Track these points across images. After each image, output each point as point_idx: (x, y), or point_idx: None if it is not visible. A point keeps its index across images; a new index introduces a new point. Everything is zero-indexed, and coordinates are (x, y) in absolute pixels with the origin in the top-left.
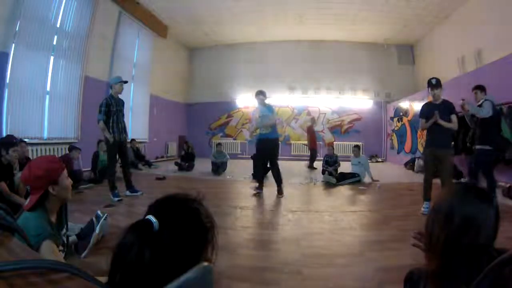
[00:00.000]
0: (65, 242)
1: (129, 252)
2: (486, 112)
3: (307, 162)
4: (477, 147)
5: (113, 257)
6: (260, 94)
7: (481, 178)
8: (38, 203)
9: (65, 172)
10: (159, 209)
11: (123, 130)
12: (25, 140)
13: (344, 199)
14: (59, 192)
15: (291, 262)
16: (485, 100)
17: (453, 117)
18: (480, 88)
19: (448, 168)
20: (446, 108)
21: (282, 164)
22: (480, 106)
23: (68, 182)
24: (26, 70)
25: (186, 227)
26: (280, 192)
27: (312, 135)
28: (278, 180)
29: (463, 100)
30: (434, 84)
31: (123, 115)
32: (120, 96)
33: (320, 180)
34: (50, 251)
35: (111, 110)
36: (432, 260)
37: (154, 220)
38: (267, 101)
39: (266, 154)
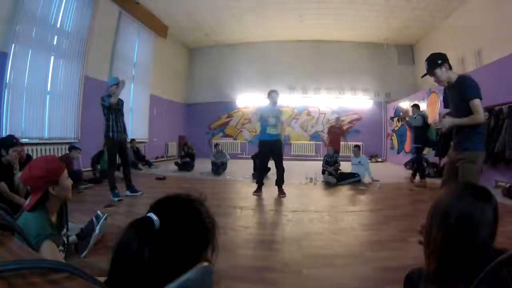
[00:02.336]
0: (65, 242)
1: (128, 249)
2: (417, 123)
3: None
4: (413, 145)
5: (113, 254)
6: (268, 95)
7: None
8: (38, 203)
9: (65, 172)
10: (161, 208)
11: (123, 130)
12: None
13: (344, 199)
14: (59, 192)
15: (291, 262)
16: (418, 114)
17: (474, 103)
18: (415, 106)
19: (466, 178)
20: (459, 93)
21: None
22: (414, 118)
23: (69, 182)
24: (26, 70)
25: (187, 227)
26: (282, 192)
27: (334, 136)
28: (282, 180)
29: (404, 112)
30: (427, 68)
31: (122, 114)
32: (120, 96)
33: (320, 180)
34: (50, 251)
35: (111, 110)
36: (432, 261)
37: (155, 218)
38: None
39: (274, 154)
